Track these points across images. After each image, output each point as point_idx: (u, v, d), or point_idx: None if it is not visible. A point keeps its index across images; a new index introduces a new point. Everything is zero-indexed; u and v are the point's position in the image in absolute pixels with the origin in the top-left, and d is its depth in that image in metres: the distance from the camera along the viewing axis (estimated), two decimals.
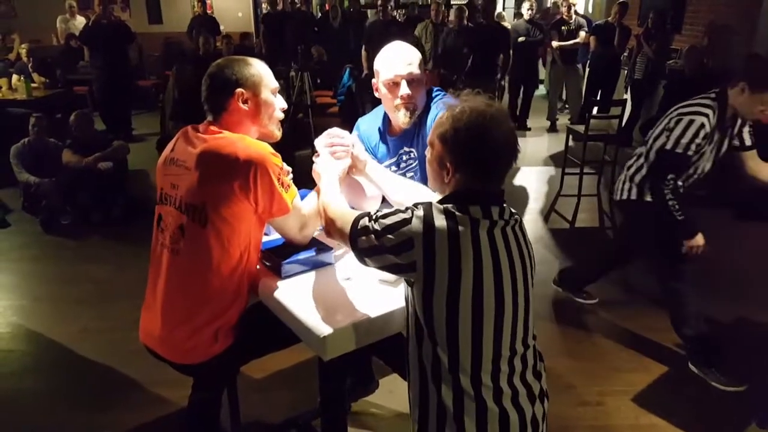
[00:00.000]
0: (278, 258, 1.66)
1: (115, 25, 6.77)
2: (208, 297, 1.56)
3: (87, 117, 4.92)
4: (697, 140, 2.42)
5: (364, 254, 1.36)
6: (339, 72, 6.67)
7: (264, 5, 9.42)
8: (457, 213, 1.25)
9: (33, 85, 6.66)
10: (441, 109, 1.71)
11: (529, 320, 1.35)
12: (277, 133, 1.73)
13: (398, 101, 1.86)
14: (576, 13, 7.45)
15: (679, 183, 2.52)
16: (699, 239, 2.50)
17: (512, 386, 1.29)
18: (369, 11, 9.23)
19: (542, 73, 8.39)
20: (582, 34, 7.13)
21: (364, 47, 6.70)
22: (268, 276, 1.68)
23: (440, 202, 1.31)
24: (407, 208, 1.31)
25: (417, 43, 6.78)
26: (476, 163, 1.28)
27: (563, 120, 7.60)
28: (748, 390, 2.57)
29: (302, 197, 1.73)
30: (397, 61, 1.85)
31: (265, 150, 1.55)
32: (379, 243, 1.30)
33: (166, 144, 1.73)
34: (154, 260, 1.66)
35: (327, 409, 1.71)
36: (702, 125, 2.42)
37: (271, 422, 2.37)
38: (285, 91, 6.20)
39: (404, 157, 2.00)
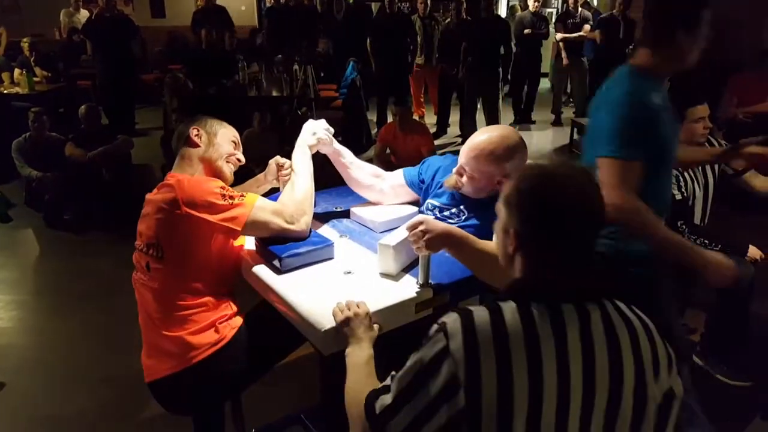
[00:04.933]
0: (278, 252, 1.64)
1: (118, 19, 6.74)
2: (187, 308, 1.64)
3: (96, 110, 4.94)
4: (673, 183, 2.50)
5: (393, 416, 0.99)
6: (342, 65, 6.64)
7: None
8: (513, 312, 0.95)
9: (35, 79, 6.65)
10: None
11: None
12: (229, 175, 1.80)
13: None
14: (582, 6, 7.39)
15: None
16: (753, 250, 2.58)
17: None
18: (373, 4, 9.19)
19: (546, 66, 8.34)
20: (586, 27, 7.08)
21: (369, 40, 6.66)
22: (268, 270, 1.66)
23: (498, 298, 1.01)
24: (437, 328, 0.98)
25: (415, 36, 6.78)
26: (539, 235, 1.01)
27: (568, 113, 7.55)
28: (756, 383, 2.54)
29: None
30: (462, 151, 1.76)
31: (200, 184, 1.63)
32: (412, 413, 0.96)
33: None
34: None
35: (328, 402, 1.70)
36: None
37: (273, 416, 2.36)
38: (288, 84, 6.16)
39: (454, 211, 1.86)
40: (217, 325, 1.65)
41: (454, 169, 1.78)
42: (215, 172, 1.77)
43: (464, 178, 1.75)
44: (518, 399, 0.90)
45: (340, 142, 2.02)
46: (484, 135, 1.73)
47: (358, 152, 6.15)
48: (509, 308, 0.96)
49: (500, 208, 1.08)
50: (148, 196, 1.72)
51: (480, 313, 0.96)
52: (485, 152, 1.69)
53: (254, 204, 1.66)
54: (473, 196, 1.79)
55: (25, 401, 2.60)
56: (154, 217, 1.64)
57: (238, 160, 1.84)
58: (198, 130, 1.76)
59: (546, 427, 0.91)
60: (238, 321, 1.71)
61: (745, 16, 5.87)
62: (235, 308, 1.73)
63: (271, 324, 1.64)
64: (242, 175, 1.98)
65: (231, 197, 1.62)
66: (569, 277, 1.00)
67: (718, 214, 2.85)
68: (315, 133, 1.97)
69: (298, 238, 1.72)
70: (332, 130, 2.05)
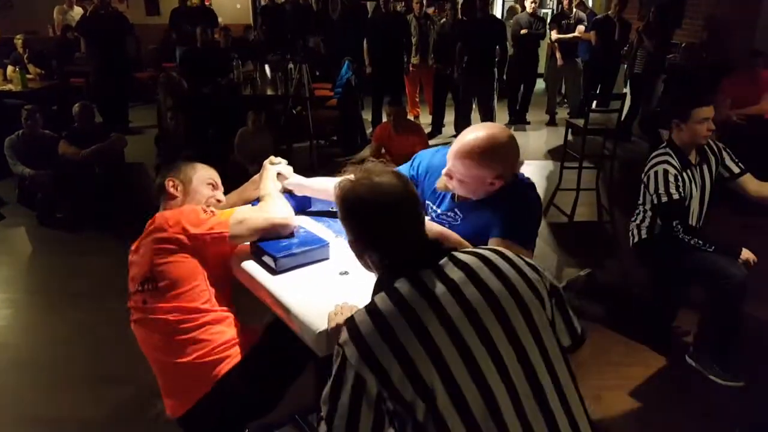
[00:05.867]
0: (273, 252, 1.64)
1: (112, 17, 6.71)
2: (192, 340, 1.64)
3: (89, 108, 4.91)
4: (671, 182, 2.57)
5: None
6: (338, 65, 6.63)
7: None
8: (384, 299, 1.07)
9: (28, 76, 6.61)
10: (516, 204, 1.63)
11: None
12: None
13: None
14: (577, 6, 7.42)
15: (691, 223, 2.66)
16: (746, 253, 2.57)
17: None
18: (368, 3, 9.18)
19: (542, 67, 8.36)
20: (580, 28, 7.10)
21: (366, 40, 6.66)
22: (263, 270, 1.66)
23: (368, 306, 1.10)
24: (335, 348, 1.08)
25: (410, 36, 6.78)
26: (361, 237, 1.19)
27: (562, 114, 7.57)
28: (748, 384, 2.56)
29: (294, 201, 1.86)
30: (449, 154, 1.65)
31: (181, 211, 1.70)
32: (343, 424, 1.02)
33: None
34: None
35: None
36: (666, 170, 2.59)
37: (269, 416, 2.36)
38: (283, 83, 6.15)
39: (450, 215, 1.78)
40: (227, 342, 1.66)
41: (444, 171, 1.68)
42: None
43: (454, 181, 1.66)
44: (423, 368, 0.99)
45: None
46: (471, 135, 1.60)
47: (352, 152, 6.20)
48: (380, 298, 1.08)
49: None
50: (133, 246, 1.77)
51: (359, 316, 1.07)
52: (472, 155, 1.57)
53: (235, 209, 1.75)
54: (469, 197, 1.72)
55: (17, 400, 2.58)
56: (145, 253, 1.68)
57: (218, 200, 1.87)
58: (173, 181, 1.81)
59: (461, 378, 0.99)
60: (247, 337, 1.72)
61: (737, 16, 5.92)
62: (237, 324, 1.74)
63: (284, 341, 1.64)
64: (236, 175, 1.98)
65: (212, 211, 1.71)
66: (411, 252, 1.13)
67: (715, 216, 2.87)
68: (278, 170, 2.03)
69: (288, 234, 1.74)
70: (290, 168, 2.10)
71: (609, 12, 6.87)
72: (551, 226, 4.40)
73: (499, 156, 1.58)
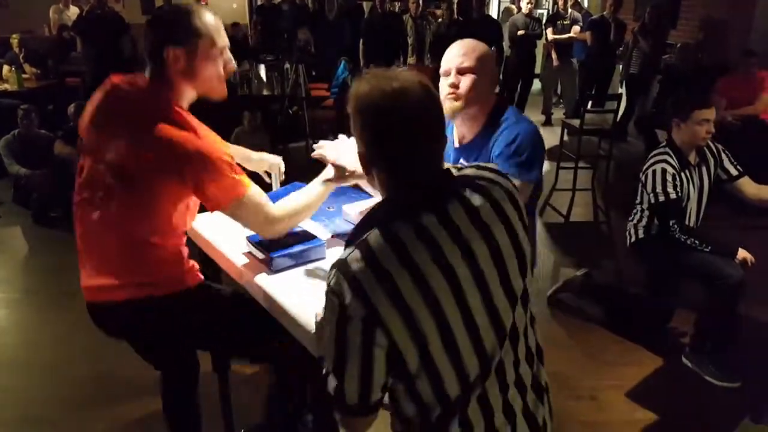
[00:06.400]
0: (268, 251, 1.64)
1: (108, 16, 6.69)
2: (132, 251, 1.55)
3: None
4: (669, 181, 2.58)
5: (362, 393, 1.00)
6: (334, 64, 6.63)
7: None
8: (378, 238, 0.98)
9: (24, 76, 6.59)
10: (515, 132, 1.71)
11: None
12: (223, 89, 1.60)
13: (444, 92, 1.74)
14: (573, 7, 7.44)
15: (687, 224, 2.67)
16: (742, 253, 2.57)
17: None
18: (365, 4, 9.18)
19: (538, 68, 8.38)
20: (576, 28, 7.12)
21: (362, 40, 6.66)
22: (258, 269, 1.66)
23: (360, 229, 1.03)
24: (326, 291, 1.01)
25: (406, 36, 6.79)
26: (380, 153, 1.03)
27: (558, 114, 7.59)
28: (744, 385, 2.57)
29: (288, 192, 1.72)
30: (451, 53, 1.76)
31: (214, 145, 1.48)
32: (356, 373, 0.97)
33: None
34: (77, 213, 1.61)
35: (318, 404, 1.70)
36: (664, 169, 2.60)
37: (263, 416, 2.36)
38: (279, 83, 6.14)
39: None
40: (184, 269, 1.63)
41: (454, 71, 1.73)
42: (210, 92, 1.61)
43: (466, 79, 1.71)
44: (421, 316, 0.94)
45: (331, 140, 1.97)
46: (462, 42, 1.76)
47: None
48: (374, 237, 0.98)
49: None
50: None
51: (353, 255, 0.97)
52: (482, 45, 1.76)
53: (248, 189, 1.52)
54: (473, 106, 1.75)
55: (15, 400, 2.57)
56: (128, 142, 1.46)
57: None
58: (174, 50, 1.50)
59: (455, 324, 0.97)
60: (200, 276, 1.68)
61: (732, 17, 5.94)
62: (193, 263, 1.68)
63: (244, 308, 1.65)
64: None
65: (236, 171, 1.50)
66: (423, 180, 1.02)
67: (712, 216, 2.88)
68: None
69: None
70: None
71: (604, 12, 6.90)
72: (547, 227, 4.41)
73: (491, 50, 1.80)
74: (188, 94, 1.55)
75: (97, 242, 1.57)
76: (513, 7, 9.69)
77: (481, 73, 1.72)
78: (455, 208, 1.01)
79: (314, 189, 1.69)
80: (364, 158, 1.06)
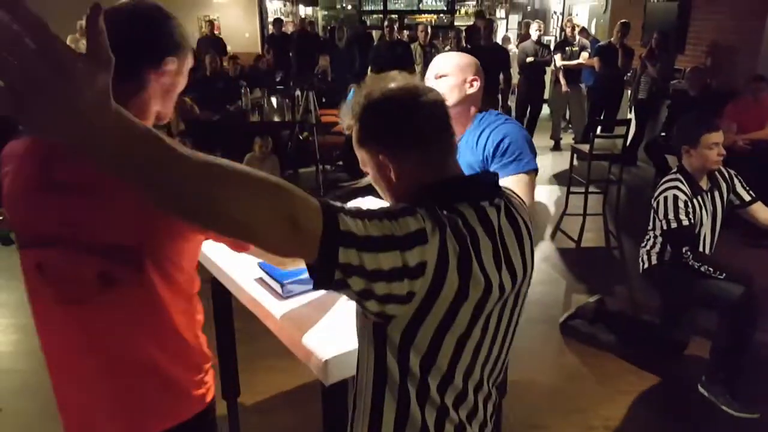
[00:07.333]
0: (279, 278, 1.64)
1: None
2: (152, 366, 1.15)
3: None
4: (681, 208, 2.56)
5: (352, 246, 0.81)
6: (344, 91, 6.72)
7: (270, 27, 9.51)
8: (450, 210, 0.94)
9: None
10: (501, 133, 1.79)
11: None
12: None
13: None
14: (580, 33, 7.51)
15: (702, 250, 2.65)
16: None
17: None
18: (374, 32, 9.33)
19: (547, 93, 8.45)
20: (584, 54, 7.18)
21: (370, 68, 6.74)
22: (268, 296, 1.66)
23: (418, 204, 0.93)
24: (410, 209, 0.91)
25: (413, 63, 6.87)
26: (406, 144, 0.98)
27: (567, 139, 7.60)
28: (764, 416, 2.51)
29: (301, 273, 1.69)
30: (432, 63, 1.90)
31: None
32: (381, 230, 0.84)
33: None
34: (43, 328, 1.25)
35: None
36: (676, 196, 2.58)
37: None
38: (290, 110, 6.21)
39: None
40: (204, 372, 1.26)
41: (434, 77, 1.86)
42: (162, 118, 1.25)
43: (440, 83, 1.84)
44: (473, 290, 0.92)
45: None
46: (443, 54, 1.93)
47: (359, 177, 6.21)
48: (464, 209, 0.95)
49: (362, 155, 1.02)
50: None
51: (441, 212, 0.91)
52: (456, 53, 1.94)
53: None
54: (452, 108, 1.81)
55: (25, 426, 2.57)
56: (129, 205, 1.00)
57: None
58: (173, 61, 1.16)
59: (485, 313, 0.97)
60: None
61: (740, 42, 5.97)
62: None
63: None
64: None
65: None
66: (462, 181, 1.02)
67: (726, 242, 2.85)
68: None
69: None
70: None
71: (611, 39, 6.96)
72: (559, 252, 4.38)
73: (474, 60, 1.90)
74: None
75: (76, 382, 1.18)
76: (509, 35, 9.90)
77: (458, 76, 1.85)
78: (492, 211, 0.99)
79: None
80: (385, 159, 0.98)
